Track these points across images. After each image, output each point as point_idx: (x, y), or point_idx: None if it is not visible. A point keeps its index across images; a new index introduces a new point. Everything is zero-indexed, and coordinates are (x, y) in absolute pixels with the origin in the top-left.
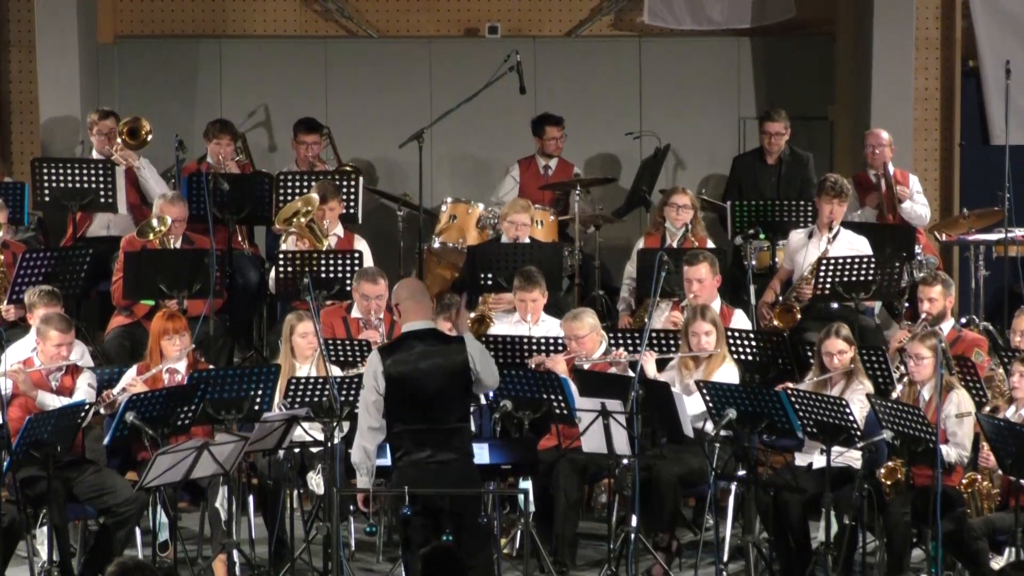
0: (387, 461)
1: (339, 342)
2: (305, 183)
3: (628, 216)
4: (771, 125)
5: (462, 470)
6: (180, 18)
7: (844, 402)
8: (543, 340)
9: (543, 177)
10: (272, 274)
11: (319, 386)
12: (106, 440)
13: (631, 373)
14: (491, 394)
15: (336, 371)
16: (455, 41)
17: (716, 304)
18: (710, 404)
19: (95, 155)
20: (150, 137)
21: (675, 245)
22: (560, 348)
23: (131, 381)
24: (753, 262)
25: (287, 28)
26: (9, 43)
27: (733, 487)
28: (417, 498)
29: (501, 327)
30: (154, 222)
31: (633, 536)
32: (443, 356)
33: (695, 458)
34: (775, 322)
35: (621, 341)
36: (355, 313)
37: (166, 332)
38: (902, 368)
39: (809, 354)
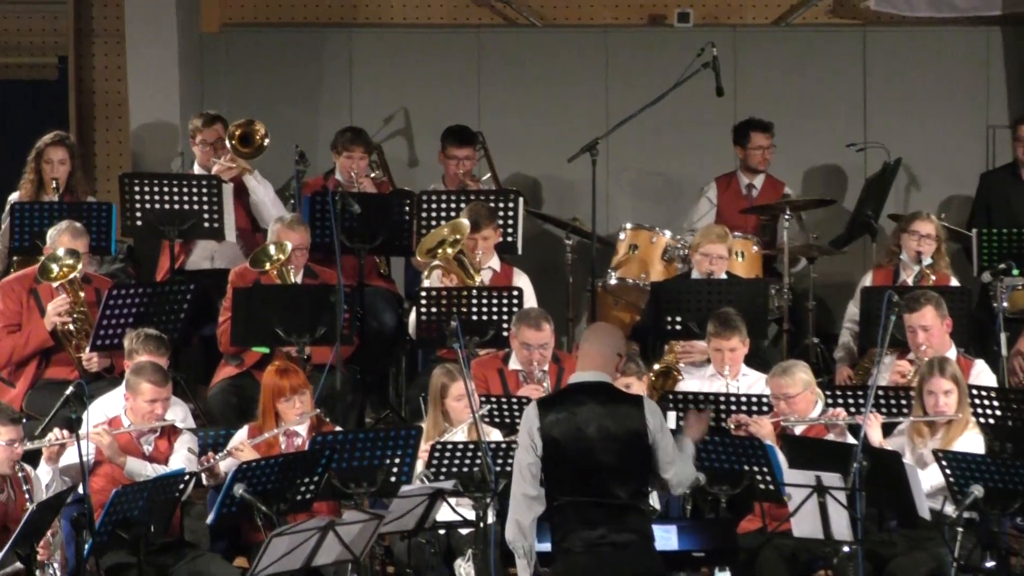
0: (548, 546)
1: (494, 399)
2: (453, 205)
3: (850, 246)
4: None
5: (642, 556)
6: (302, 2)
7: None
8: (744, 398)
9: (745, 198)
10: (412, 316)
11: (470, 453)
12: (210, 519)
13: (852, 440)
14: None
15: (491, 435)
16: (637, 31)
17: (951, 353)
18: (951, 479)
19: (197, 169)
20: (266, 143)
21: (910, 282)
22: (765, 409)
23: (240, 446)
24: (1004, 303)
25: (431, 15)
26: (92, 33)
27: None
28: None
29: (692, 382)
30: (270, 249)
31: None
32: (613, 418)
33: (932, 545)
34: None
35: (840, 400)
36: (514, 364)
37: (282, 391)
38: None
39: None
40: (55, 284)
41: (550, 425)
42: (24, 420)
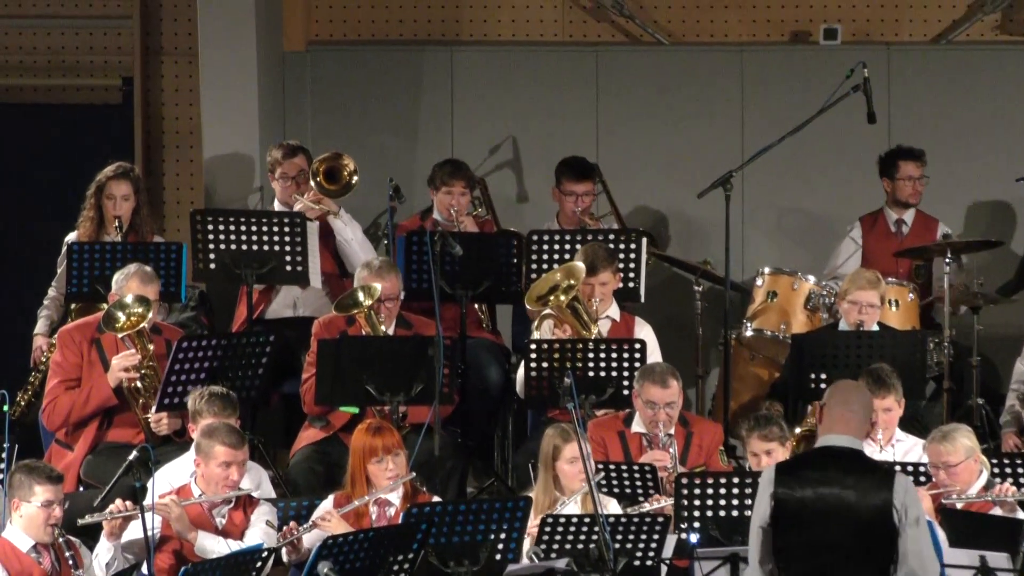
0: None
1: (614, 467)
2: (568, 247)
3: (1019, 294)
4: None
5: None
6: (397, 17)
7: None
8: (899, 467)
9: (896, 238)
10: (520, 372)
11: (585, 528)
12: None
13: (1023, 515)
14: None
15: (610, 507)
16: (777, 50)
17: None
18: None
19: (277, 206)
20: (355, 180)
21: None
22: (923, 479)
23: (326, 516)
24: None
25: (544, 32)
26: (161, 51)
27: None
28: None
29: None
30: (359, 295)
31: None
32: (858, 490)
33: None
34: None
35: (1008, 471)
36: (636, 427)
37: (374, 452)
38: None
39: None
40: (121, 335)
41: (785, 488)
42: (81, 488)
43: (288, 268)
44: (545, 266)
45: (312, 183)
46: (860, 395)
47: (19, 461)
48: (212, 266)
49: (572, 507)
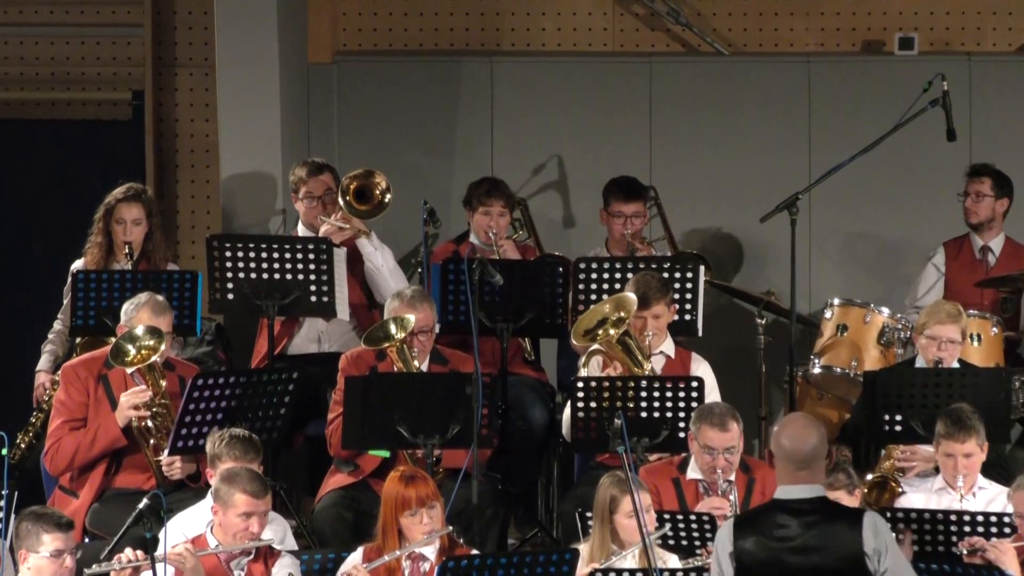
0: None
1: (669, 516)
2: (618, 275)
3: None
4: None
5: None
6: (432, 25)
7: None
8: (981, 517)
9: (980, 266)
10: (566, 413)
11: None
12: None
13: None
14: None
15: (670, 562)
16: (848, 61)
17: None
18: None
19: (301, 230)
20: (388, 199)
21: None
22: (1007, 530)
23: (353, 571)
24: None
25: (592, 41)
26: (175, 63)
27: None
28: None
29: (915, 496)
30: (390, 328)
31: None
32: (827, 540)
33: None
34: None
35: None
36: (692, 473)
37: (407, 505)
38: None
39: None
40: (130, 370)
41: (745, 549)
42: (87, 539)
43: (313, 299)
44: (593, 297)
45: (341, 202)
46: (804, 430)
47: (21, 509)
48: (230, 296)
49: (628, 561)
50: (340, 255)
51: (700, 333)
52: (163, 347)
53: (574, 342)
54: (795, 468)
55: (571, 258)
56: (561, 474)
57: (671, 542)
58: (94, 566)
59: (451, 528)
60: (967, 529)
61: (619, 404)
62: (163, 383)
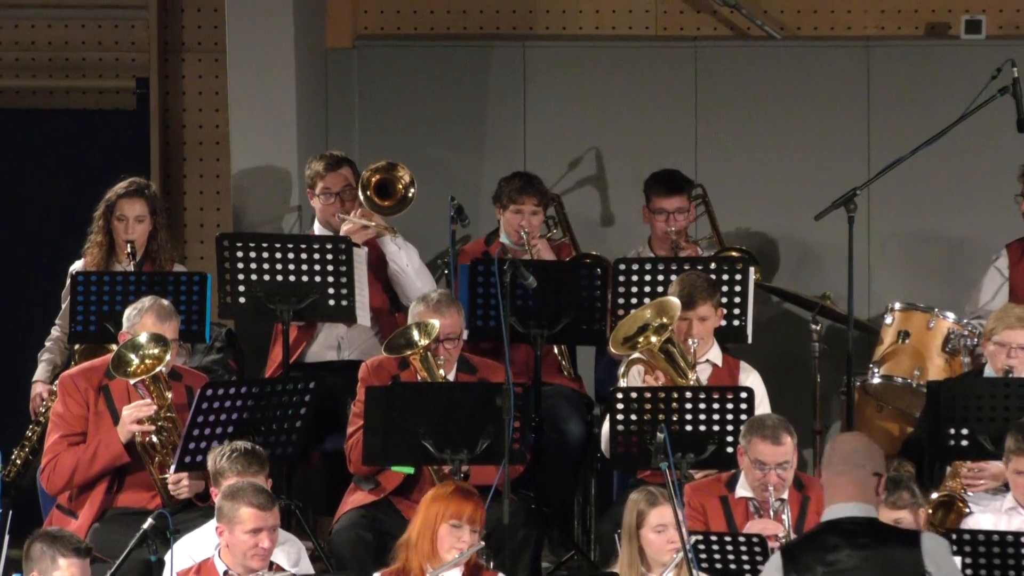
0: None
1: (714, 538)
2: (661, 277)
3: None
4: None
5: None
6: (460, 7)
7: None
8: None
9: None
10: (605, 427)
11: None
12: None
13: None
14: None
15: None
16: (910, 45)
17: None
18: None
19: (318, 229)
20: (412, 194)
21: None
22: None
23: None
24: None
25: (633, 24)
26: (182, 48)
27: None
28: None
29: (983, 517)
30: (414, 334)
31: None
32: (879, 566)
33: None
34: None
35: None
36: (742, 490)
37: (457, 514)
38: None
39: None
40: (133, 381)
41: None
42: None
43: (331, 303)
44: (634, 300)
45: (361, 197)
46: (857, 449)
47: (16, 530)
48: (241, 300)
49: None
50: (360, 255)
51: (750, 340)
52: (168, 356)
53: (613, 350)
54: (843, 486)
55: (610, 258)
56: (599, 492)
57: (718, 566)
58: None
59: (482, 544)
60: None
61: (662, 417)
62: (169, 395)
